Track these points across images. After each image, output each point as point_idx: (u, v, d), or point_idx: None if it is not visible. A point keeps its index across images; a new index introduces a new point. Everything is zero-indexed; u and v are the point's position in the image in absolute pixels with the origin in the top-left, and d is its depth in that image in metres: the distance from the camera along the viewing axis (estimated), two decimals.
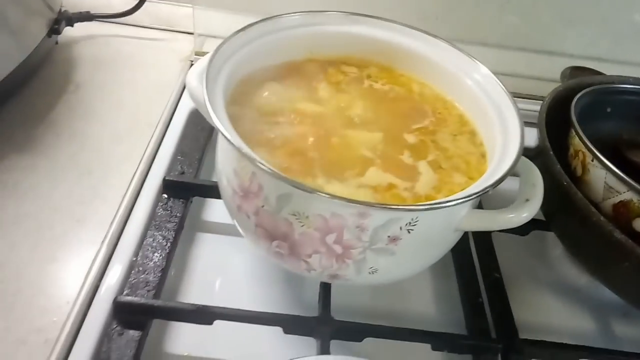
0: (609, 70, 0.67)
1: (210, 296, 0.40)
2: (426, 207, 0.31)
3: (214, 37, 0.64)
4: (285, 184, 0.31)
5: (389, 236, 0.33)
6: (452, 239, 0.38)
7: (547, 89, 0.53)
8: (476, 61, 0.43)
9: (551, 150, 0.42)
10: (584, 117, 0.48)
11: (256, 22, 0.41)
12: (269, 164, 0.31)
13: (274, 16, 0.43)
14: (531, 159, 0.41)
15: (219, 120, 0.32)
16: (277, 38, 0.43)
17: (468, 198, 0.31)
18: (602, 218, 0.37)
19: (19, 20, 0.49)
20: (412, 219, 0.32)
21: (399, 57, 0.46)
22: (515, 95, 0.63)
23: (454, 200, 0.31)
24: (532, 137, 0.45)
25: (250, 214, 0.35)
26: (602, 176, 0.41)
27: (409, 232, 0.33)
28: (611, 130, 0.53)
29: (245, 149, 0.31)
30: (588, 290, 0.47)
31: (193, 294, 0.40)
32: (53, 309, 0.35)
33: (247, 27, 0.41)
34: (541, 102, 0.48)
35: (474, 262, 0.45)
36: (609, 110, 0.52)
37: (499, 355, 0.38)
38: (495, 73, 0.68)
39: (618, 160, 0.51)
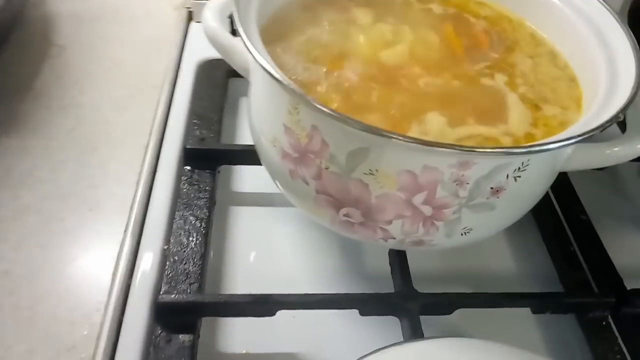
0: None
1: (261, 281, 0.34)
2: (540, 147, 0.24)
3: None
4: (364, 133, 0.23)
5: (492, 188, 0.26)
6: (552, 181, 0.31)
7: None
8: None
9: None
10: None
11: None
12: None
13: None
14: None
15: (265, 60, 0.25)
16: None
17: (588, 134, 0.24)
18: None
19: None
20: (523, 164, 0.25)
21: None
22: None
23: (573, 137, 0.24)
24: None
25: (308, 179, 0.28)
26: None
27: (515, 179, 0.26)
28: None
29: (306, 97, 0.24)
30: None
31: (241, 280, 0.34)
32: (81, 321, 0.29)
33: None
34: None
35: (554, 206, 0.39)
36: None
37: (609, 311, 0.33)
38: None
39: None
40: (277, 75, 0.24)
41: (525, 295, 0.33)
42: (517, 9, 0.38)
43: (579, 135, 0.24)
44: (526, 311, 0.33)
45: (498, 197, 0.27)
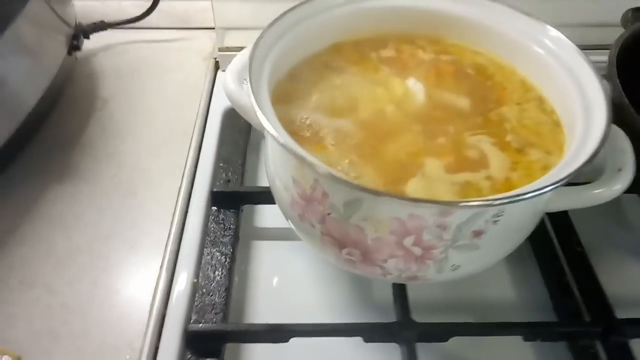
0: None
1: (279, 309, 0.38)
2: (513, 198, 0.28)
3: (235, 28, 0.60)
4: (354, 190, 0.28)
5: (473, 231, 0.30)
6: (535, 222, 0.34)
7: (612, 35, 0.48)
8: (540, 22, 0.39)
9: (631, 107, 0.38)
10: None
11: (291, 9, 0.38)
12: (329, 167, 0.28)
13: (303, 2, 0.39)
14: None
15: (272, 125, 0.29)
16: (315, 23, 0.39)
17: (560, 182, 0.28)
18: None
19: (39, 43, 0.46)
20: (498, 211, 0.29)
21: (447, 26, 0.42)
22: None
23: (546, 186, 0.27)
24: None
25: (315, 223, 0.33)
26: None
27: (494, 223, 0.30)
28: None
29: (306, 155, 0.29)
30: None
31: (261, 309, 0.39)
32: (124, 346, 0.34)
33: (282, 16, 0.37)
34: (606, 51, 0.44)
35: (551, 237, 0.42)
36: None
37: (598, 339, 0.35)
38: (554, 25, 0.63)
39: None
40: (281, 141, 0.29)
41: (517, 324, 0.35)
42: (509, 57, 0.41)
43: (538, 189, 0.27)
44: (519, 338, 0.36)
45: (480, 239, 0.30)
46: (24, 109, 0.44)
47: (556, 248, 0.41)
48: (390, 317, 0.36)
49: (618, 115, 0.39)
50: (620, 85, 0.40)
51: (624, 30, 0.47)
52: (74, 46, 0.49)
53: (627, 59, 0.43)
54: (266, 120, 0.30)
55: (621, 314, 0.37)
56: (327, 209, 0.31)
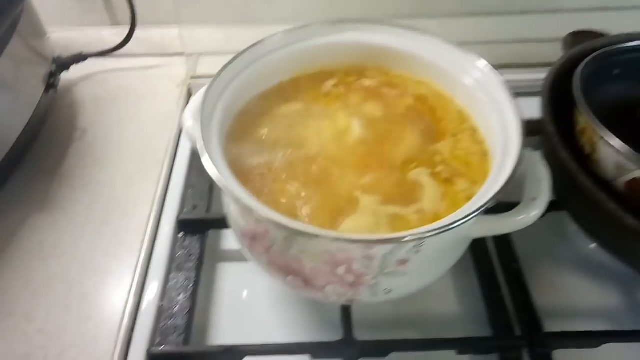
0: (617, 18, 0.64)
1: (238, 330, 0.42)
2: (428, 232, 0.31)
3: (207, 54, 0.64)
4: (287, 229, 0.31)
5: (397, 260, 0.33)
6: (463, 246, 0.38)
7: (555, 51, 0.51)
8: (471, 54, 0.42)
9: (556, 135, 0.41)
10: (591, 85, 0.46)
11: (242, 52, 0.41)
12: (270, 205, 0.32)
13: (258, 42, 0.42)
14: (539, 132, 0.40)
15: (216, 170, 0.33)
16: (266, 62, 0.43)
17: (470, 217, 0.31)
18: (611, 205, 0.36)
19: (17, 81, 0.50)
20: (417, 243, 0.32)
21: (392, 58, 0.45)
22: (520, 65, 0.63)
23: (457, 221, 0.31)
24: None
25: (262, 253, 0.36)
26: (612, 154, 0.40)
27: (416, 253, 0.33)
28: (622, 91, 0.51)
29: (245, 200, 0.32)
30: (612, 264, 0.46)
31: (222, 330, 0.42)
32: None
33: (234, 59, 0.41)
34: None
35: (490, 255, 0.45)
36: (616, 72, 0.50)
37: (525, 351, 0.39)
38: (499, 42, 0.67)
39: (631, 124, 0.50)
40: (223, 185, 0.32)
41: (451, 340, 0.39)
42: (447, 88, 0.44)
43: (450, 224, 0.30)
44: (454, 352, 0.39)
45: (406, 266, 0.34)
46: (6, 145, 0.48)
47: (494, 264, 0.44)
48: (339, 334, 0.40)
49: (547, 143, 0.43)
50: (550, 113, 0.43)
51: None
52: (50, 84, 0.52)
53: (563, 84, 0.46)
54: (211, 166, 0.33)
55: (551, 325, 0.41)
56: (270, 242, 0.35)
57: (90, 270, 0.44)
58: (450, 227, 0.31)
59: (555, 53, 0.53)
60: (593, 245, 0.47)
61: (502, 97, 0.38)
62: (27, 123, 0.50)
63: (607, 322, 0.42)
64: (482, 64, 0.41)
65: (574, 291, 0.45)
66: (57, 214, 0.48)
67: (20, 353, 0.38)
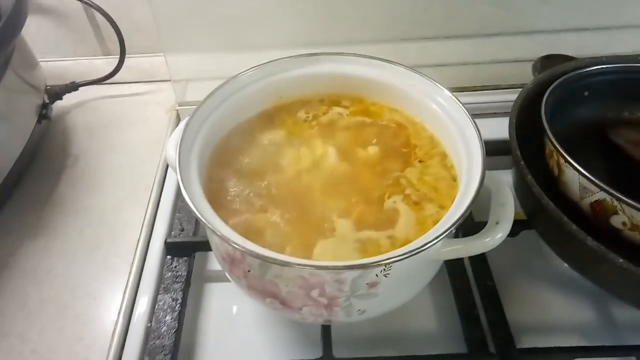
0: (591, 38, 0.67)
1: (223, 349, 0.44)
2: (393, 258, 0.32)
3: (195, 80, 0.66)
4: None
5: (367, 283, 0.35)
6: (434, 267, 0.40)
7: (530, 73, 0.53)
8: (436, 83, 0.44)
9: (522, 160, 0.43)
10: (560, 106, 0.49)
11: (220, 86, 0.44)
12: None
13: (235, 75, 0.45)
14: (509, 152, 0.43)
15: (195, 207, 0.35)
16: (244, 94, 0.45)
17: (433, 242, 0.33)
18: (574, 227, 0.38)
19: (10, 113, 0.52)
20: (385, 268, 0.34)
21: (366, 88, 0.47)
22: (497, 87, 0.65)
23: (421, 247, 0.33)
24: None
25: (240, 277, 0.38)
26: (576, 177, 0.42)
27: (385, 276, 0.35)
28: (591, 112, 0.53)
29: (220, 230, 0.34)
30: (584, 280, 0.48)
31: (208, 350, 0.44)
32: None
33: (212, 93, 0.43)
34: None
35: (467, 272, 0.47)
36: (586, 94, 0.52)
37: None
38: (477, 63, 0.69)
39: (601, 144, 0.52)
40: (201, 219, 0.34)
41: (426, 357, 0.40)
42: (418, 115, 0.46)
43: (413, 250, 0.32)
44: None
45: (376, 289, 0.36)
46: (1, 173, 0.50)
47: (470, 282, 0.46)
48: (319, 352, 0.41)
49: (515, 167, 0.45)
50: (516, 138, 0.45)
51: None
52: (43, 115, 0.55)
53: (534, 106, 0.48)
54: (186, 196, 0.35)
55: (524, 341, 0.43)
56: (247, 267, 0.37)
57: (82, 293, 0.46)
58: (415, 252, 0.32)
59: (529, 74, 0.55)
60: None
61: (465, 124, 0.40)
62: (21, 153, 0.52)
63: (580, 337, 0.44)
64: (445, 92, 0.43)
65: (548, 307, 0.47)
66: (49, 240, 0.50)
67: None
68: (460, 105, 0.42)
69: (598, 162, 0.48)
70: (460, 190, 0.37)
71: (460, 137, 0.41)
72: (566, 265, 0.49)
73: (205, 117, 0.42)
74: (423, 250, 0.32)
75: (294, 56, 0.46)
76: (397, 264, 0.34)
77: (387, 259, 0.32)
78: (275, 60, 0.46)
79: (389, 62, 0.46)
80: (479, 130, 0.39)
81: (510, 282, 0.47)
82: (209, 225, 0.33)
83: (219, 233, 0.33)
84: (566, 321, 0.46)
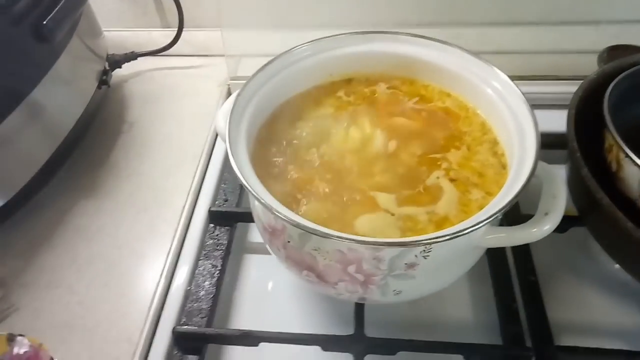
0: None
1: (258, 317, 0.45)
2: (435, 239, 0.32)
3: (247, 56, 0.67)
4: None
5: (406, 264, 0.35)
6: (475, 254, 0.39)
7: (593, 64, 0.51)
8: (494, 68, 0.42)
9: (578, 151, 0.41)
10: (624, 100, 0.46)
11: (272, 60, 0.44)
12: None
13: (287, 51, 0.45)
14: (565, 146, 0.41)
15: (242, 175, 0.35)
16: (295, 70, 0.45)
17: (478, 226, 0.32)
18: (629, 225, 0.36)
19: (74, 77, 0.54)
20: (425, 249, 0.34)
21: (419, 69, 0.47)
22: (556, 78, 0.62)
23: (464, 230, 0.32)
24: None
25: (280, 247, 0.39)
26: (636, 173, 0.39)
27: (425, 257, 0.34)
28: None
29: (263, 198, 0.34)
30: (636, 284, 0.45)
31: (242, 316, 0.45)
32: (124, 340, 0.41)
33: (265, 66, 0.44)
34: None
35: (509, 265, 0.45)
36: None
37: None
38: (537, 52, 0.66)
39: None
40: (248, 188, 0.35)
41: (459, 344, 0.40)
42: (471, 99, 0.45)
43: (455, 233, 0.31)
44: (462, 357, 0.40)
45: (414, 270, 0.35)
46: (60, 135, 0.52)
47: (512, 275, 0.45)
48: (351, 330, 0.41)
49: (571, 159, 0.43)
50: (574, 129, 0.43)
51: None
52: (103, 81, 0.57)
53: (596, 99, 0.45)
54: (235, 165, 0.36)
55: (564, 340, 0.41)
56: (287, 238, 0.37)
57: (128, 252, 0.48)
58: (458, 234, 0.32)
59: (592, 66, 0.53)
60: (617, 266, 0.47)
61: (521, 109, 0.39)
62: (80, 116, 0.54)
63: (623, 341, 0.42)
64: (503, 76, 0.41)
65: (592, 308, 0.45)
66: (102, 201, 0.52)
67: (62, 322, 0.42)
68: (519, 91, 0.40)
69: None
70: (509, 177, 0.36)
71: (514, 124, 0.39)
72: (617, 266, 0.47)
73: (256, 90, 0.42)
74: (466, 233, 0.32)
75: (347, 33, 0.46)
76: (437, 246, 0.33)
77: (429, 239, 0.32)
78: (328, 37, 0.46)
79: (444, 42, 0.45)
80: (535, 119, 0.38)
81: (554, 279, 0.46)
82: (254, 193, 0.34)
83: (262, 201, 0.34)
84: (610, 324, 0.44)
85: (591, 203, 0.40)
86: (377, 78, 0.48)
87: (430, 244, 0.32)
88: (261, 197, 0.34)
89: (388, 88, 0.47)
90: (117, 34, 0.69)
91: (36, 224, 0.50)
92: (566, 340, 0.41)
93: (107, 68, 0.59)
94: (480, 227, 0.32)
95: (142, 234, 0.49)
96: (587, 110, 0.45)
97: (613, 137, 0.41)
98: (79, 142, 0.57)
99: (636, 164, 0.39)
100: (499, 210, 0.33)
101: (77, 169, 0.55)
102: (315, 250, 0.36)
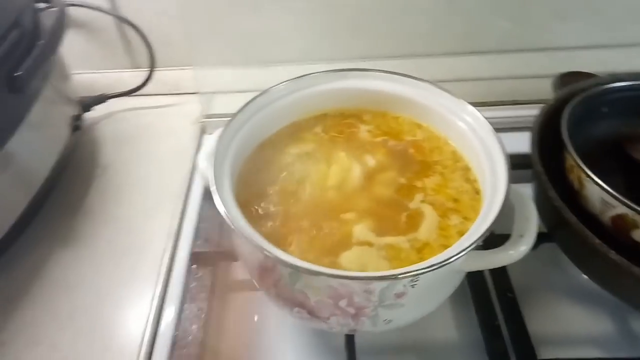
0: (608, 55, 0.68)
1: (247, 357, 0.45)
2: (423, 269, 0.33)
3: (220, 92, 0.68)
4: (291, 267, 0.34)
5: (395, 294, 0.36)
6: (458, 278, 0.40)
7: (547, 88, 0.54)
8: (460, 100, 0.45)
9: (544, 174, 0.44)
10: (579, 122, 0.49)
11: (251, 101, 0.45)
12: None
13: (264, 91, 0.46)
14: (529, 166, 0.44)
15: (230, 215, 0.36)
16: (272, 109, 0.46)
17: (462, 254, 0.34)
18: (597, 241, 0.39)
19: (46, 124, 0.53)
20: (413, 279, 0.35)
21: (390, 103, 0.49)
22: (514, 103, 0.66)
23: (450, 258, 0.33)
24: None
25: (270, 287, 0.39)
26: (597, 191, 0.42)
27: (412, 287, 0.36)
28: (610, 128, 0.54)
29: (255, 239, 0.35)
30: (604, 292, 0.48)
31: (233, 358, 0.45)
32: None
33: (244, 107, 0.45)
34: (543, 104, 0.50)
35: (487, 284, 0.47)
36: (605, 110, 0.53)
37: None
38: (494, 78, 0.70)
39: (621, 159, 0.53)
40: (233, 227, 0.35)
41: None
42: (441, 129, 0.47)
43: (442, 262, 0.33)
44: None
45: (403, 299, 0.36)
46: (36, 183, 0.51)
47: (491, 293, 0.47)
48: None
49: (536, 181, 0.46)
50: (539, 154, 0.46)
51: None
52: (76, 126, 0.57)
53: (554, 121, 0.48)
54: (222, 208, 0.37)
55: (545, 352, 0.43)
56: (277, 276, 0.38)
57: (111, 302, 0.47)
58: (444, 264, 0.33)
59: (547, 90, 0.56)
60: (585, 276, 0.50)
61: (491, 141, 0.41)
62: (55, 163, 0.54)
63: (599, 349, 0.44)
64: (472, 109, 0.44)
65: (568, 319, 0.47)
66: (80, 249, 0.51)
67: None
68: (484, 120, 0.43)
69: (617, 177, 0.49)
70: (485, 204, 0.38)
71: (483, 151, 0.42)
72: (584, 276, 0.49)
73: (237, 130, 0.43)
74: (454, 260, 0.33)
75: (321, 72, 0.48)
76: (424, 276, 0.35)
77: (417, 270, 0.33)
78: (303, 76, 0.47)
79: (413, 77, 0.47)
80: (502, 145, 0.40)
81: (530, 293, 0.48)
82: (247, 236, 0.35)
83: (256, 243, 0.34)
84: (586, 333, 0.46)
85: (560, 222, 0.43)
86: (351, 112, 0.50)
87: (418, 274, 0.33)
88: (253, 238, 0.35)
89: (361, 122, 0.49)
90: (86, 77, 0.68)
91: (12, 277, 0.49)
92: (546, 352, 0.43)
93: (79, 112, 0.59)
94: (464, 254, 0.34)
95: (124, 282, 0.49)
96: (546, 133, 0.48)
97: (573, 159, 0.44)
98: (53, 189, 0.56)
99: (597, 184, 0.42)
100: (480, 236, 0.34)
101: (52, 217, 0.54)
102: (306, 287, 0.36)
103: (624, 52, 0.68)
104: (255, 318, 0.48)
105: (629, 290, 0.40)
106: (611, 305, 0.47)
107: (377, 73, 0.48)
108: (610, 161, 0.52)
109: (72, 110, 0.58)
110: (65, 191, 0.57)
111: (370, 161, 0.45)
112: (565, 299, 0.48)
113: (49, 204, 0.55)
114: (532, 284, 0.49)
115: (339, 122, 0.49)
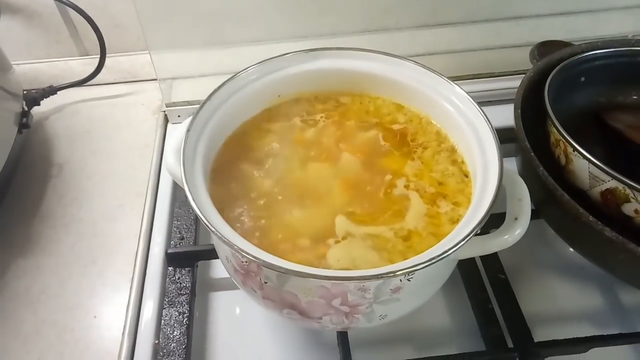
0: (580, 20, 0.67)
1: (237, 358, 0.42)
2: (420, 264, 0.31)
3: (180, 77, 0.63)
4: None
5: (390, 289, 0.34)
6: (452, 266, 0.39)
7: (522, 57, 0.53)
8: (449, 81, 0.42)
9: (531, 150, 0.43)
10: (561, 94, 0.48)
11: (218, 88, 0.41)
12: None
13: (233, 76, 0.42)
14: (514, 140, 0.42)
15: (205, 217, 0.33)
16: (244, 94, 0.43)
17: (459, 245, 0.32)
18: (590, 218, 0.38)
19: None
20: (409, 273, 0.33)
21: (367, 83, 0.46)
22: (490, 75, 0.64)
23: (448, 251, 0.31)
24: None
25: (255, 289, 0.36)
26: (585, 166, 0.41)
27: (409, 280, 0.34)
28: (588, 97, 0.53)
29: (237, 243, 0.32)
30: (591, 266, 0.48)
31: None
32: None
33: (211, 95, 0.41)
34: (519, 75, 0.48)
35: (478, 268, 0.46)
36: (583, 79, 0.52)
37: None
38: (467, 50, 0.68)
39: (600, 129, 0.52)
40: (217, 233, 0.32)
41: (445, 357, 0.40)
42: (425, 110, 0.45)
43: (438, 256, 0.31)
44: None
45: (399, 293, 0.34)
46: None
47: (482, 277, 0.45)
48: (337, 356, 0.40)
49: (523, 157, 0.45)
50: (523, 129, 0.44)
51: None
52: (23, 124, 0.51)
53: (534, 95, 0.47)
54: (197, 209, 0.33)
55: (539, 332, 0.42)
56: (264, 279, 0.35)
57: (81, 313, 0.43)
58: (442, 257, 0.31)
59: (521, 61, 0.55)
60: (572, 250, 0.49)
61: (480, 122, 0.39)
62: (3, 167, 0.48)
63: (591, 324, 0.44)
64: (459, 90, 0.41)
65: (558, 296, 0.47)
66: (41, 258, 0.47)
67: None
68: (472, 101, 0.40)
69: (599, 149, 0.48)
70: (477, 188, 0.37)
71: (470, 130, 0.40)
72: (571, 250, 0.49)
73: (206, 121, 0.40)
74: (451, 252, 0.31)
75: (293, 52, 0.44)
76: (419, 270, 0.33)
77: (417, 264, 0.31)
78: (273, 57, 0.44)
79: (389, 54, 0.44)
80: (490, 123, 0.39)
81: (520, 273, 0.47)
82: (228, 239, 0.32)
83: (238, 247, 0.31)
84: (577, 309, 0.46)
85: (549, 199, 0.41)
86: (326, 95, 0.47)
87: (414, 270, 0.31)
88: (235, 242, 0.32)
89: (339, 105, 0.46)
90: (29, 67, 0.62)
91: None
92: (541, 332, 0.42)
93: (25, 108, 0.53)
94: (461, 246, 0.32)
95: (93, 290, 0.45)
96: (528, 105, 0.47)
97: (560, 133, 0.43)
98: (4, 196, 0.51)
99: (586, 158, 0.41)
100: (478, 224, 0.33)
101: (7, 225, 0.49)
102: (296, 288, 0.34)
103: (592, 17, 0.67)
104: (242, 317, 0.45)
105: (623, 266, 0.39)
106: (599, 278, 0.47)
107: (349, 52, 0.45)
108: (590, 133, 0.51)
109: (17, 107, 0.53)
110: (19, 196, 0.52)
111: (349, 148, 0.43)
112: (555, 275, 0.48)
113: (2, 211, 0.50)
114: (521, 263, 0.48)
115: (315, 107, 0.46)
